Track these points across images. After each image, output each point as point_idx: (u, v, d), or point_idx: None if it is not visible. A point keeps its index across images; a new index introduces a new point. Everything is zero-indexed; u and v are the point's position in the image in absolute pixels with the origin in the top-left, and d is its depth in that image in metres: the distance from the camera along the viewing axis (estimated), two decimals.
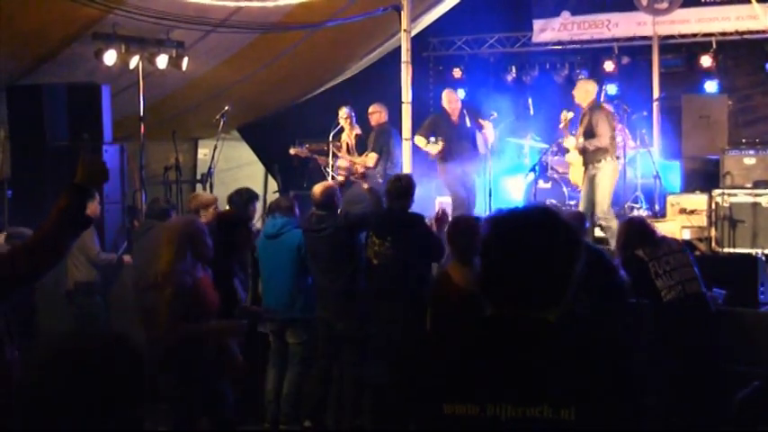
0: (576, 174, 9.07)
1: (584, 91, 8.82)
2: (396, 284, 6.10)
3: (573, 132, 8.88)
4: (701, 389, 5.75)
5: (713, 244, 8.99)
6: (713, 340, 5.94)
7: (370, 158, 9.84)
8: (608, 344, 2.08)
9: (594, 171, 8.54)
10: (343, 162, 10.09)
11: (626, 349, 2.09)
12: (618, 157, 8.77)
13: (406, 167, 9.08)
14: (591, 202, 8.52)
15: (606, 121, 8.52)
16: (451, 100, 9.76)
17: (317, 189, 6.74)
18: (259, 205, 7.43)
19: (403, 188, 6.38)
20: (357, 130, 10.30)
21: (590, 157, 8.59)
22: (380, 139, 9.86)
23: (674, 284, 5.88)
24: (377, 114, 10.00)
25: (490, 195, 9.52)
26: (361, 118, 10.27)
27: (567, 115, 9.04)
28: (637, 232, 6.16)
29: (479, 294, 2.14)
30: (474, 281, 4.30)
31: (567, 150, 9.44)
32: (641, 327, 6.06)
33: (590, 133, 8.51)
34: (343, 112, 10.18)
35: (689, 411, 5.67)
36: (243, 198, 7.11)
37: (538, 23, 13.61)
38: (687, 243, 6.51)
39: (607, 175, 8.49)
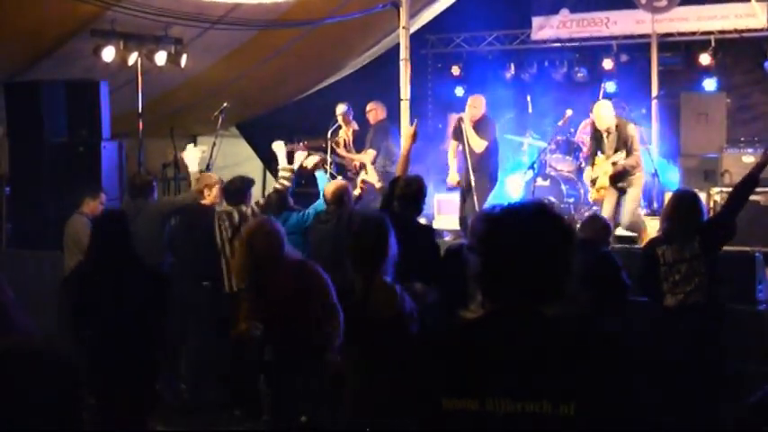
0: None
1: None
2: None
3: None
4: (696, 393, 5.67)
5: None
6: (706, 353, 5.69)
7: (368, 155, 9.90)
8: (608, 339, 2.08)
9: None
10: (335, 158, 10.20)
11: (626, 345, 2.09)
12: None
13: None
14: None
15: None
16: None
17: (329, 187, 6.97)
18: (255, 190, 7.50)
19: (414, 192, 6.19)
20: (354, 127, 10.34)
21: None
22: (378, 136, 9.91)
23: (678, 292, 5.75)
24: (373, 112, 10.10)
25: None
26: (361, 115, 10.28)
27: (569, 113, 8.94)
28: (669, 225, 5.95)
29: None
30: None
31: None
32: (641, 324, 6.01)
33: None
34: (340, 109, 10.21)
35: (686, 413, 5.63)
36: (236, 186, 7.15)
37: (537, 21, 13.62)
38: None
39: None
